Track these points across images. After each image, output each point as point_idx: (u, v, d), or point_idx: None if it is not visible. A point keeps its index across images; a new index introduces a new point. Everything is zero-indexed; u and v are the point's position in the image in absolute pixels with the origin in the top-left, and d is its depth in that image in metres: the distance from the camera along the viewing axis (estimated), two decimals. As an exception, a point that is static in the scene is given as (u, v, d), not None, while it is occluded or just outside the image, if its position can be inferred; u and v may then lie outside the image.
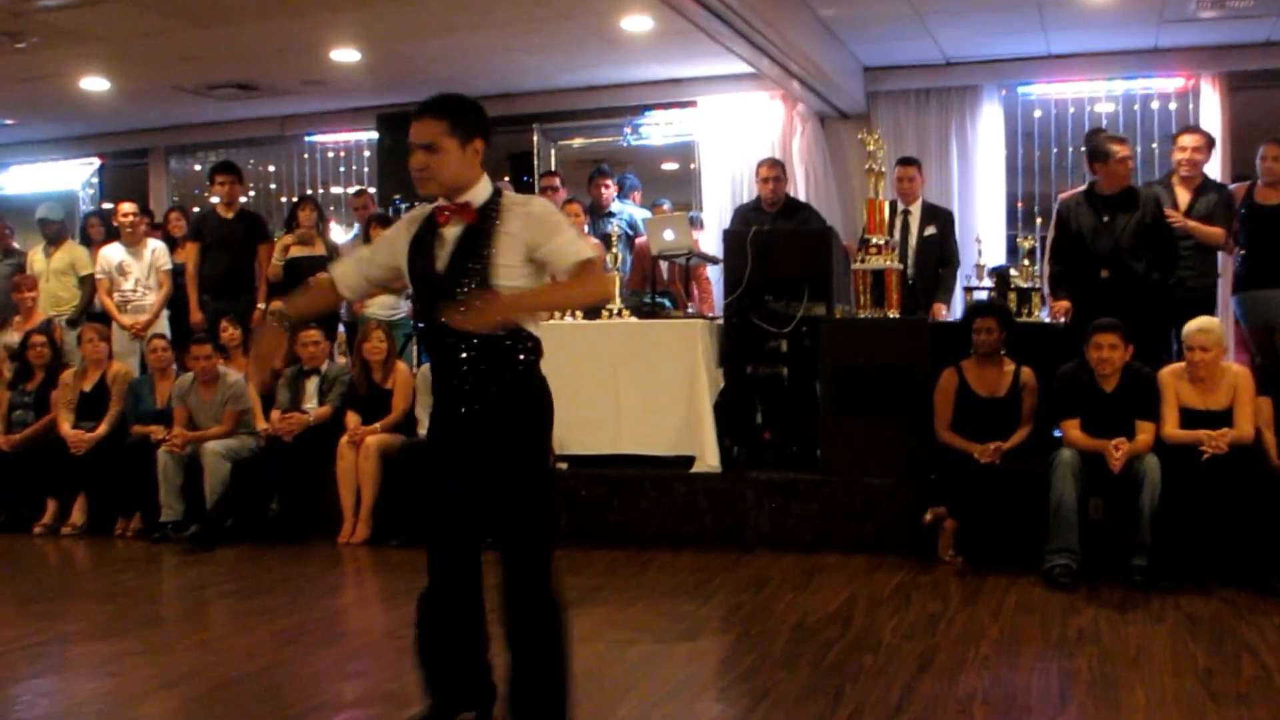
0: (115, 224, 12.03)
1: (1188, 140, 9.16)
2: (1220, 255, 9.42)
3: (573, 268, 4.40)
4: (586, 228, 11.09)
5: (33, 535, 10.07)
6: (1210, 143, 9.39)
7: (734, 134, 13.18)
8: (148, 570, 8.74)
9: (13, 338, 11.78)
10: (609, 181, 11.85)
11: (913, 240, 10.29)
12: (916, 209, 10.39)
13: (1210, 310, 8.92)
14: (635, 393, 9.31)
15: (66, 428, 10.38)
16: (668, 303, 10.27)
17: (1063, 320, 8.74)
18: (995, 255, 11.42)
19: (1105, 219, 8.54)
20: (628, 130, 13.90)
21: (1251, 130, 10.79)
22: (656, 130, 13.87)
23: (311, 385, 10.02)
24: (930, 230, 10.33)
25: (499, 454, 4.48)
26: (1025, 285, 9.36)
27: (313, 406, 9.93)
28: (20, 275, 12.29)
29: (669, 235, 9.99)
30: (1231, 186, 9.45)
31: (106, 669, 5.90)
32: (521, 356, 4.58)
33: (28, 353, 10.99)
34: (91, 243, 12.71)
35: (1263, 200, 8.93)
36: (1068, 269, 8.74)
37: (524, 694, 4.31)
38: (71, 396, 10.56)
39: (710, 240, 12.31)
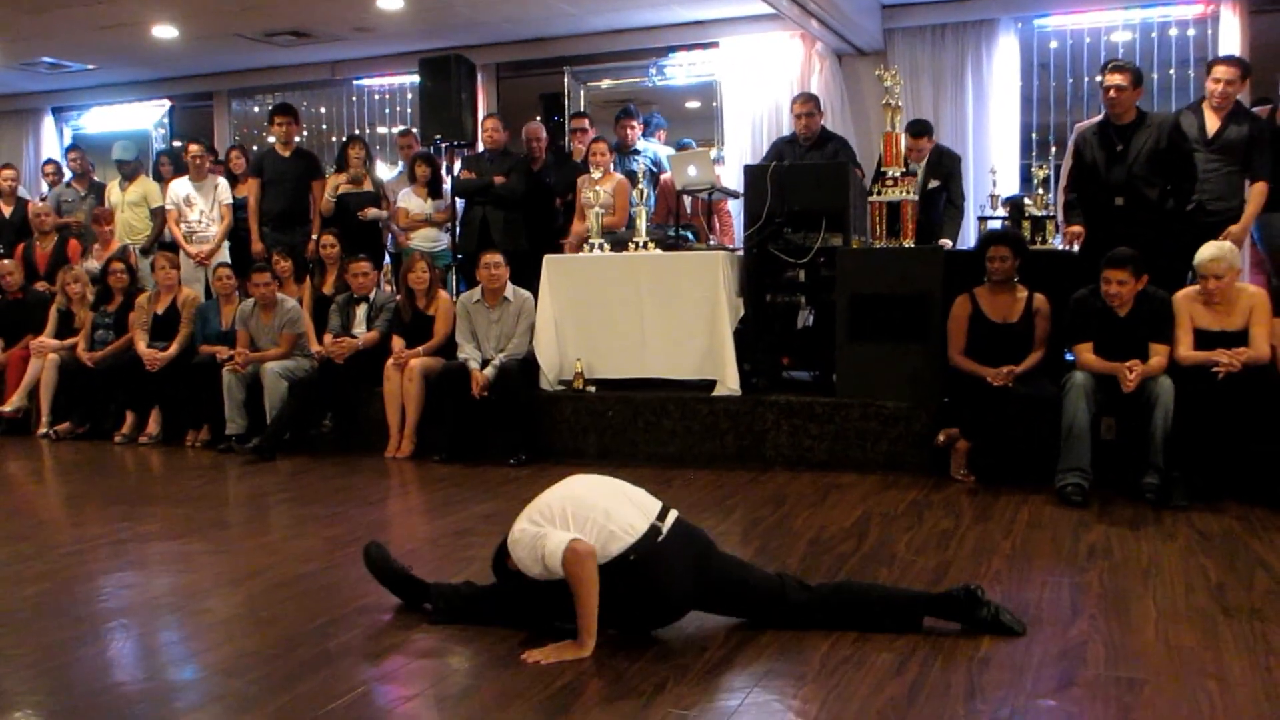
0: (184, 161, 12.17)
1: (1222, 72, 8.67)
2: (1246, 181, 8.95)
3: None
4: (613, 166, 10.86)
5: (113, 444, 10.42)
6: (1246, 72, 8.85)
7: (754, 73, 12.87)
8: (214, 477, 8.81)
9: (94, 264, 12.01)
10: (635, 121, 11.65)
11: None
12: (922, 165, 10.13)
13: None
14: (660, 321, 9.17)
15: (142, 346, 10.65)
16: (690, 236, 10.14)
17: (1075, 246, 8.48)
18: (1009, 185, 11.12)
19: (1119, 148, 8.22)
20: (653, 71, 13.65)
21: (1272, 54, 10.39)
22: (680, 71, 13.59)
23: (360, 312, 10.03)
24: (933, 184, 10.10)
25: None
26: (1039, 213, 9.04)
27: (361, 331, 9.96)
28: (100, 209, 12.58)
29: (692, 171, 9.80)
30: (1254, 110, 8.99)
31: (179, 566, 6.02)
32: None
33: (108, 278, 11.24)
34: (162, 179, 12.93)
35: None
36: (1082, 196, 8.46)
37: None
38: (146, 318, 10.83)
39: (732, 175, 12.08)
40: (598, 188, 9.76)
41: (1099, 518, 6.70)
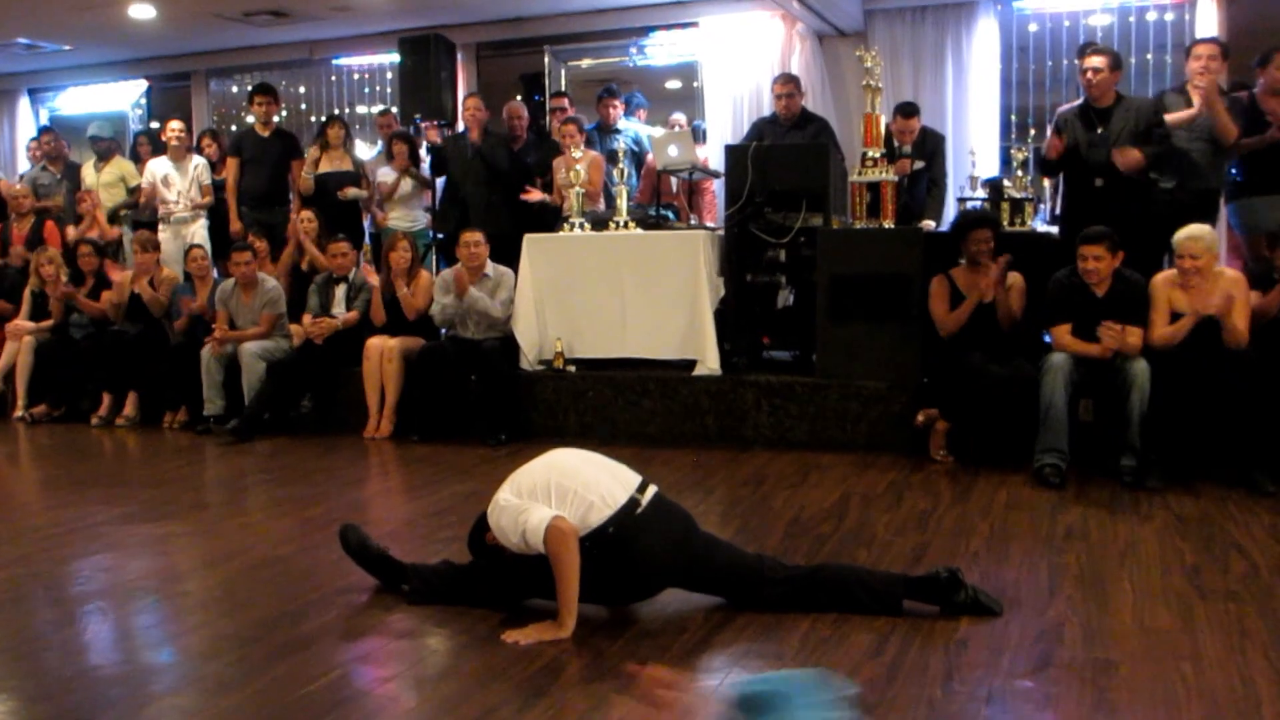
0: (163, 140, 12.10)
1: (1203, 49, 8.66)
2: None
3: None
4: (594, 146, 10.90)
5: (90, 426, 10.38)
6: (1225, 53, 8.87)
7: (735, 53, 12.76)
8: (192, 459, 8.79)
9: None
10: (616, 101, 11.64)
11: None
12: (909, 147, 10.10)
13: (1211, 215, 8.50)
14: (640, 300, 9.15)
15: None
16: (671, 215, 10.10)
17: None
18: (989, 167, 11.10)
19: (1099, 130, 8.25)
20: (633, 51, 13.55)
21: (1249, 40, 10.36)
22: (660, 50, 13.49)
23: (340, 292, 10.00)
24: (918, 164, 10.07)
25: None
26: (1018, 195, 9.05)
27: (341, 311, 9.93)
28: (83, 192, 12.49)
29: (673, 151, 9.78)
30: (1234, 95, 8.99)
31: (156, 548, 6.02)
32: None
33: (78, 261, 11.13)
34: (140, 160, 12.86)
35: (1264, 109, 8.50)
36: (1065, 178, 8.49)
37: None
38: (120, 298, 10.78)
39: (713, 155, 12.06)
40: (578, 166, 9.72)
41: (1076, 499, 6.70)
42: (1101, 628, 4.45)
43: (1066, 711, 3.70)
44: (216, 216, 12.03)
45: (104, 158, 12.66)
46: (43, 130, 13.82)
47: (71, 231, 12.13)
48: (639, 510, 4.52)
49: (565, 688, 3.93)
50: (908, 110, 10.16)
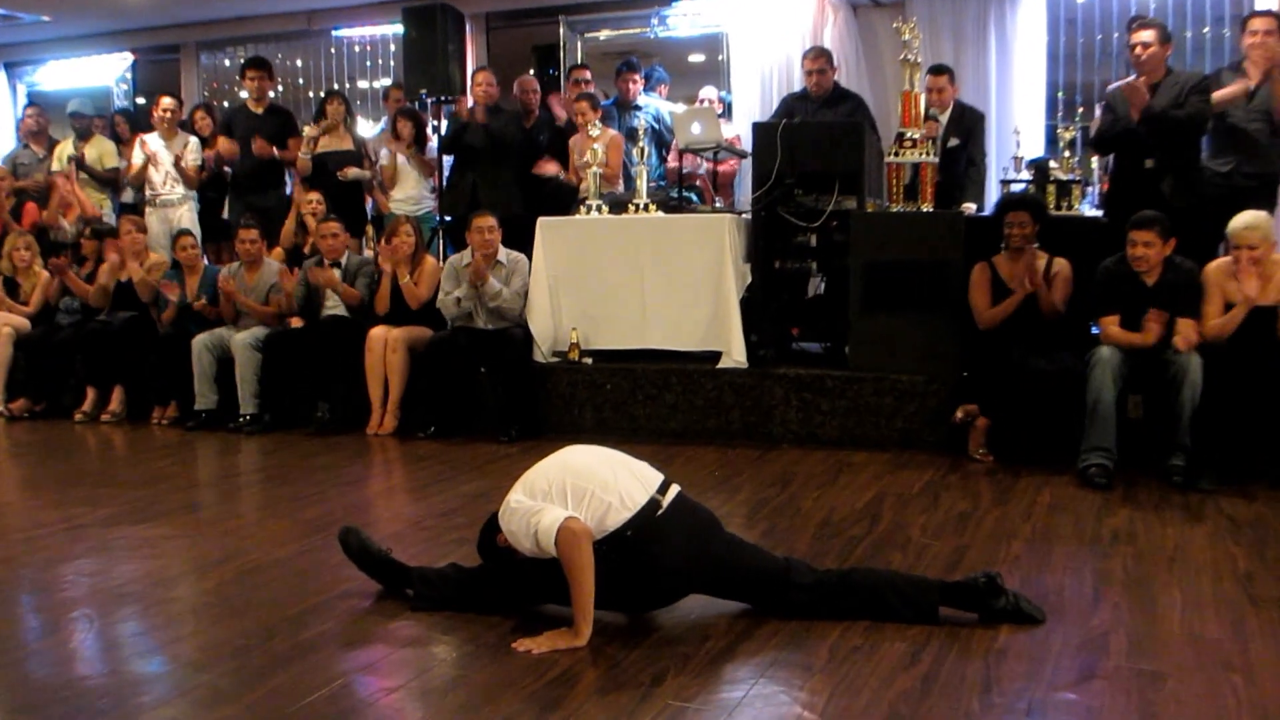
0: (154, 116, 11.97)
1: (1259, 24, 8.63)
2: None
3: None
4: (612, 123, 10.88)
5: (73, 422, 10.35)
6: None
7: (763, 24, 12.72)
8: (182, 457, 8.81)
9: (65, 225, 12.12)
10: (636, 75, 11.60)
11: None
12: (945, 118, 10.10)
13: (1270, 200, 8.49)
14: (661, 288, 9.17)
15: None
16: (694, 197, 10.12)
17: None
18: (1034, 147, 11.08)
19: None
20: (655, 22, 13.50)
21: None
22: (684, 21, 13.46)
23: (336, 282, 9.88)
24: (954, 142, 10.05)
25: None
26: (1065, 177, 9.06)
27: (333, 303, 9.90)
28: (64, 169, 12.46)
29: (696, 129, 9.75)
30: None
31: (144, 551, 6.01)
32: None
33: (82, 248, 11.30)
34: (120, 140, 12.90)
35: None
36: (1115, 159, 8.50)
37: None
38: (107, 283, 10.75)
39: (740, 133, 12.03)
40: (595, 146, 9.73)
41: (1123, 501, 6.73)
42: (1148, 637, 4.48)
43: (1111, 725, 3.74)
44: (205, 201, 12.07)
45: (84, 137, 12.67)
46: (27, 105, 13.82)
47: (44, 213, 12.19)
48: (660, 512, 4.55)
49: (581, 700, 3.95)
50: (938, 68, 10.16)
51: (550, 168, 10.90)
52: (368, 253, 11.06)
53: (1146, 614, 4.75)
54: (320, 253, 9.97)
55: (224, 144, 11.74)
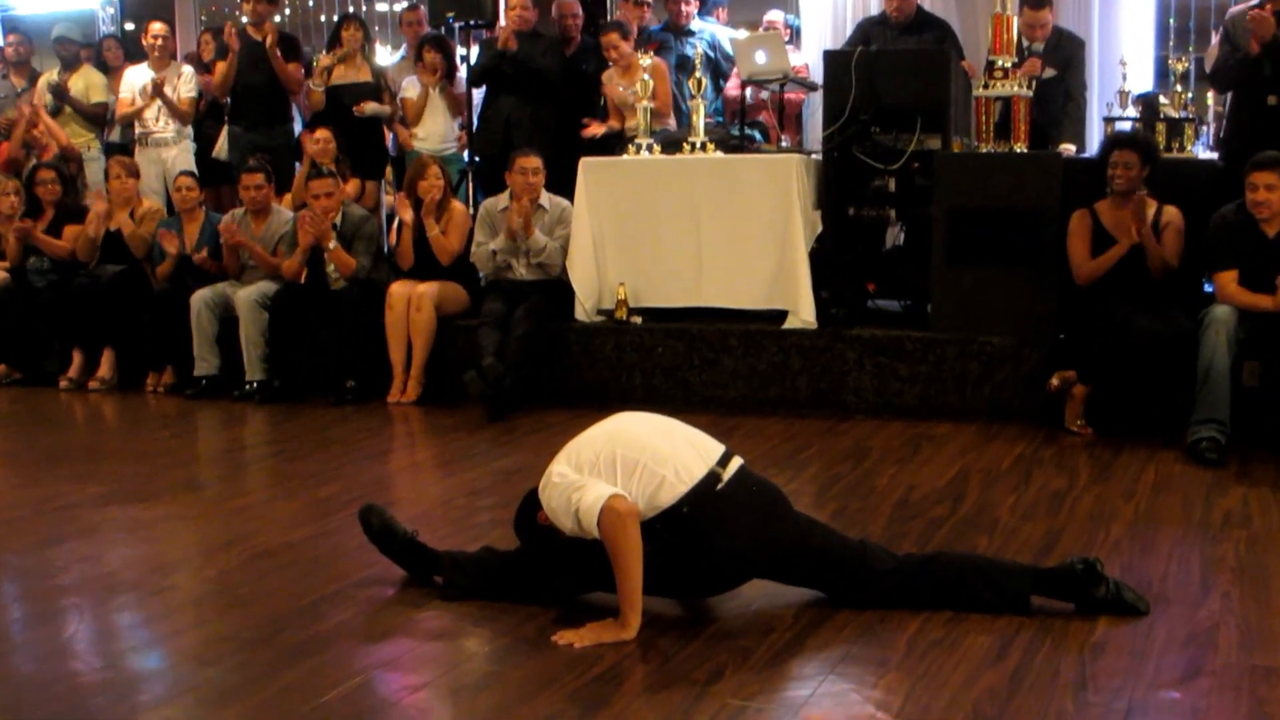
0: (144, 44, 12.02)
1: None
2: None
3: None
4: (665, 53, 10.86)
5: (58, 390, 10.29)
6: None
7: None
8: (181, 429, 8.91)
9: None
10: (690, -3, 11.56)
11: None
12: (1039, 47, 10.07)
13: None
14: (720, 239, 9.17)
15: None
16: (758, 135, 10.10)
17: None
18: (1142, 80, 11.04)
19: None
20: (712, -64, 13.49)
21: None
22: (746, -64, 13.46)
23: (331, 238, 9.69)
24: (1050, 73, 10.00)
25: None
26: (1176, 115, 9.03)
27: (331, 269, 9.74)
28: (19, 104, 12.45)
29: (760, 58, 9.74)
30: None
31: (140, 534, 6.09)
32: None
33: (35, 188, 10.99)
34: (108, 69, 12.83)
35: None
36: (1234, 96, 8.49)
37: None
38: (95, 234, 10.61)
39: (810, 63, 12.00)
40: (645, 76, 9.60)
41: (1238, 479, 6.75)
42: (1262, 630, 4.52)
43: (1218, 727, 3.79)
44: (202, 139, 12.07)
45: (70, 66, 12.58)
46: (8, 32, 13.78)
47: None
48: (720, 486, 4.59)
49: (628, 699, 4.00)
50: (1037, 1, 10.14)
51: (597, 128, 10.90)
52: (387, 199, 11.09)
53: (1260, 605, 4.79)
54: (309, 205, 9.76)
55: (219, 71, 11.70)
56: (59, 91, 12.34)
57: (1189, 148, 9.01)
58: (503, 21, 11.17)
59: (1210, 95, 9.63)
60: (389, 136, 11.87)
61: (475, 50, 11.48)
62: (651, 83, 9.62)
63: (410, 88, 11.41)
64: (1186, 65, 9.27)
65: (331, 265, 9.65)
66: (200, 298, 9.85)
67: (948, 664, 4.24)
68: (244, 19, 12.01)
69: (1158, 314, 7.66)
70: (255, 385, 9.59)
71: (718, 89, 11.30)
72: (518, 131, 10.81)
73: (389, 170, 11.82)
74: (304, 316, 9.68)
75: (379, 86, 11.53)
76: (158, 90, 11.64)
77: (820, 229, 9.14)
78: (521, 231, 9.17)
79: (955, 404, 8.50)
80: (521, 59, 10.84)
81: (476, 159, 11.43)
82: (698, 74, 9.59)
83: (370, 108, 11.38)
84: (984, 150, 8.79)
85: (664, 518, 4.50)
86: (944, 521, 6.00)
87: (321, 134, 10.60)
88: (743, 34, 11.45)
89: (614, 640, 4.43)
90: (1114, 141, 8.21)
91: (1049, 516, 6.06)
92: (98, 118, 12.60)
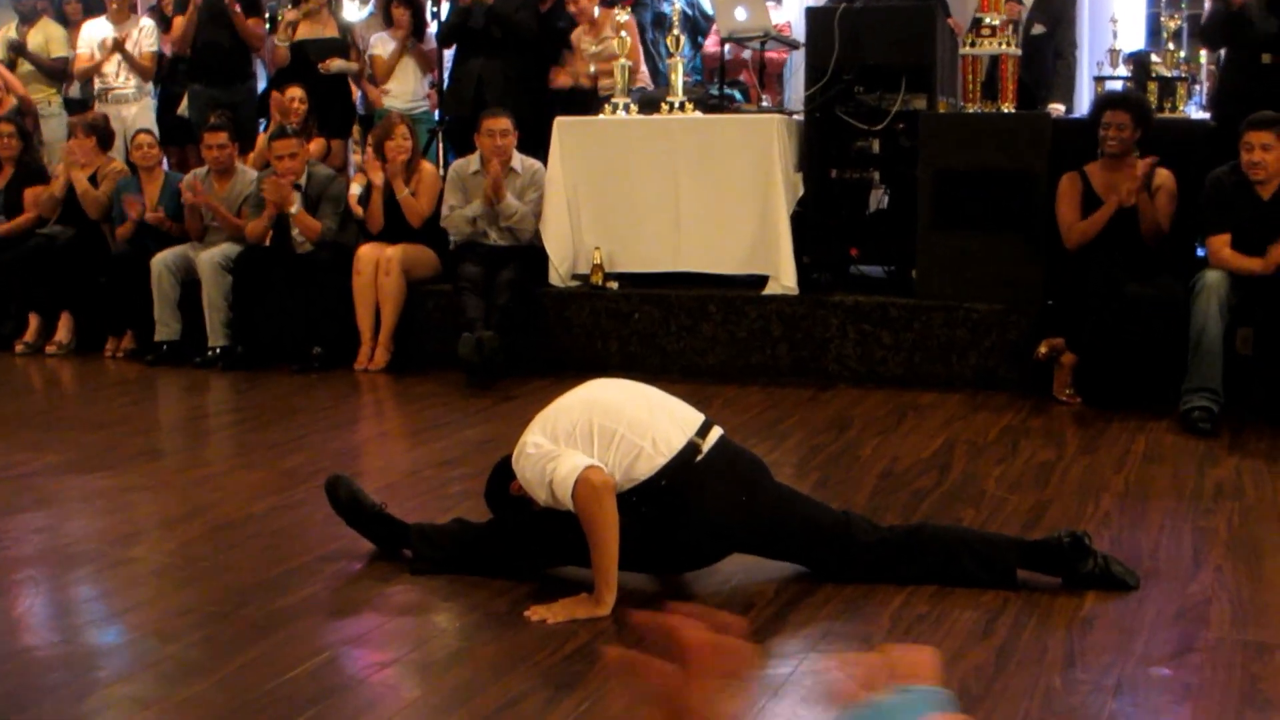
0: None
1: None
2: None
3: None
4: (641, 9, 10.84)
5: (14, 355, 10.23)
6: None
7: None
8: (141, 396, 8.93)
9: None
10: (669, -51, 11.49)
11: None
12: (1028, 1, 10.06)
13: None
14: (698, 201, 9.14)
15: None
16: (738, 95, 10.08)
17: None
18: (1133, 39, 11.04)
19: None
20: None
21: None
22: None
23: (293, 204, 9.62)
24: (1039, 29, 10.00)
25: None
26: (1168, 74, 9.05)
27: (296, 232, 9.67)
28: None
29: (740, 15, 9.69)
30: None
31: (98, 505, 6.10)
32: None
33: None
34: (69, 22, 12.75)
35: None
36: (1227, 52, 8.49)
37: None
38: (59, 190, 10.52)
39: (791, 19, 11.98)
40: (622, 33, 9.60)
41: (1230, 450, 6.77)
42: (1255, 604, 4.54)
43: (1210, 705, 3.80)
44: (163, 96, 12.08)
45: (28, 19, 12.56)
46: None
47: None
48: (699, 457, 4.59)
49: (602, 677, 3.97)
50: None
51: (564, 79, 10.86)
52: (354, 158, 11.04)
53: (1253, 578, 4.82)
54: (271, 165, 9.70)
55: (177, 25, 11.66)
56: (18, 46, 12.27)
57: (1181, 108, 9.02)
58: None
59: (1203, 54, 9.63)
60: (356, 94, 11.82)
61: (445, 7, 11.41)
62: (629, 40, 9.61)
63: (380, 44, 11.36)
64: (1179, 22, 9.26)
65: (296, 229, 9.59)
66: (161, 260, 9.79)
67: (932, 640, 4.21)
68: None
69: (1148, 280, 7.68)
70: (218, 351, 9.55)
71: (696, 47, 11.27)
72: (490, 90, 10.74)
73: (356, 129, 11.75)
74: (268, 280, 9.60)
75: (346, 43, 11.50)
76: (118, 45, 11.60)
77: (802, 191, 9.13)
78: (495, 196, 9.13)
79: (940, 372, 8.50)
80: (496, 10, 10.76)
81: (446, 119, 11.38)
82: (675, 31, 9.59)
83: (337, 64, 11.33)
84: (970, 110, 8.82)
85: (641, 490, 4.51)
86: (929, 493, 6.01)
87: (294, 92, 10.57)
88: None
89: (588, 617, 4.43)
90: (1106, 101, 8.21)
91: (1037, 488, 6.07)
92: (58, 72, 12.52)
